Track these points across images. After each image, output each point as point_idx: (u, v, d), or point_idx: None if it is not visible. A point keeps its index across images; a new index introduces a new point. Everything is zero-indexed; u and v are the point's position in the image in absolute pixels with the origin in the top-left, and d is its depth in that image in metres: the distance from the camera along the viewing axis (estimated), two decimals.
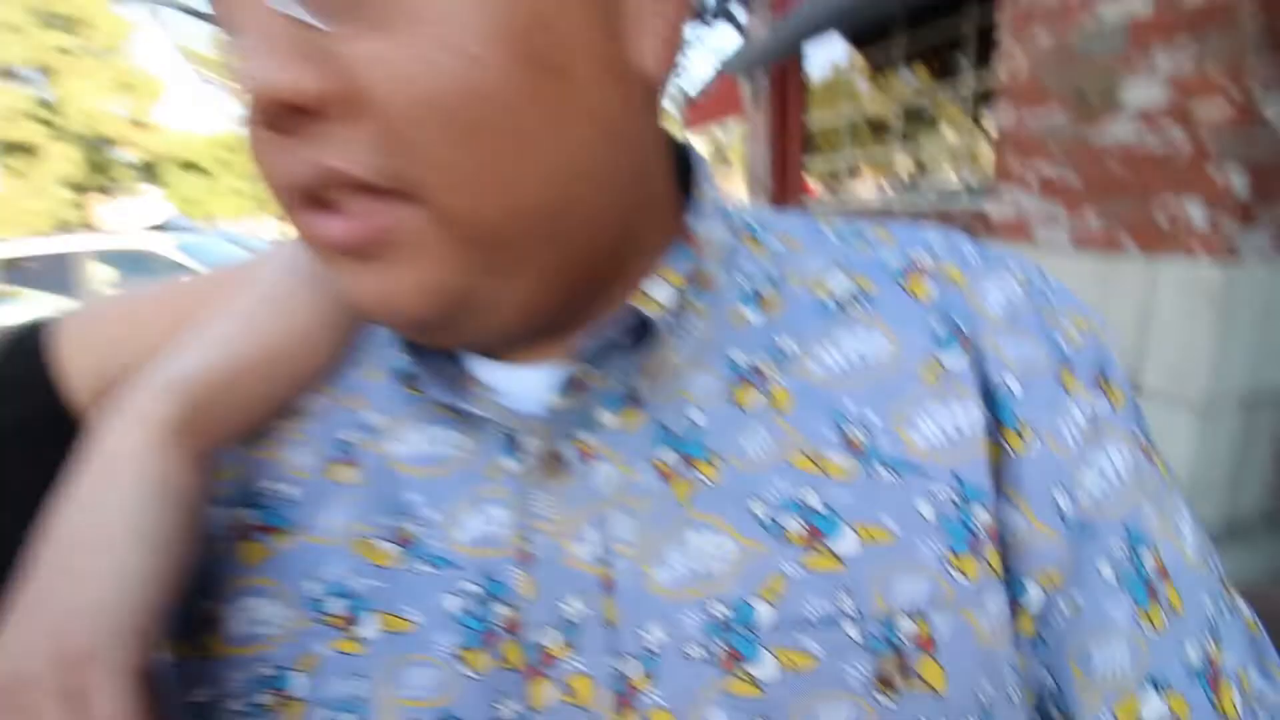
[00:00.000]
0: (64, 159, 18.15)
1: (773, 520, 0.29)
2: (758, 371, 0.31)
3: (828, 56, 6.43)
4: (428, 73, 0.22)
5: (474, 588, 0.29)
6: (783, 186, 7.33)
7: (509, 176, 0.25)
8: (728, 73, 7.15)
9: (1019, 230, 2.93)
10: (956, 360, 0.30)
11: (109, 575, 0.26)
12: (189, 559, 0.29)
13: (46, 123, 17.82)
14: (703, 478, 0.29)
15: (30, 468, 0.34)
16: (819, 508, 0.29)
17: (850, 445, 0.29)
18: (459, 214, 0.25)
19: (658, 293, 0.29)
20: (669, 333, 0.30)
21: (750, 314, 0.32)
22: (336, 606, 0.31)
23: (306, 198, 0.25)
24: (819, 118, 6.94)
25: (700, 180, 0.33)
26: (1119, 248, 2.42)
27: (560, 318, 0.30)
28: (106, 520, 0.26)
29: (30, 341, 0.36)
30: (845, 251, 0.34)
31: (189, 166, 22.25)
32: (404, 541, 0.31)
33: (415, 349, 0.31)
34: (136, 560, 0.26)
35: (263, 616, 0.31)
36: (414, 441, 0.32)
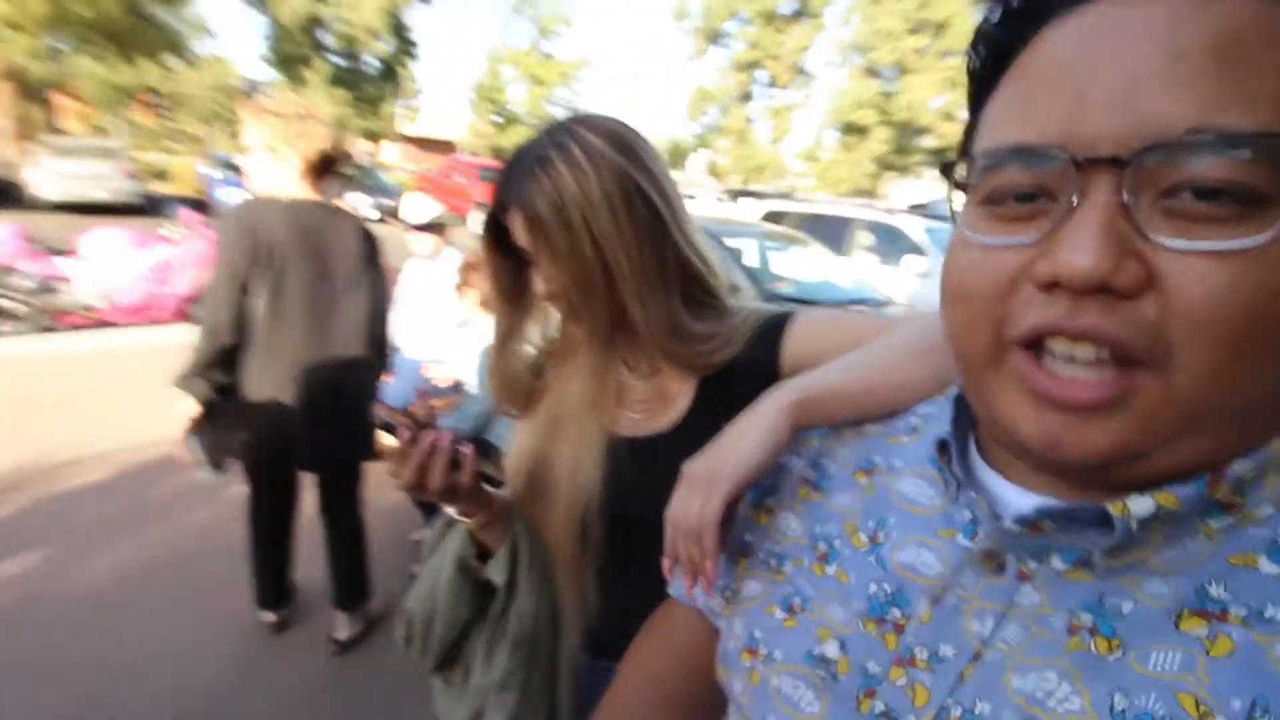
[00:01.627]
0: (881, 141, 22.35)
1: (1123, 715, 0.30)
2: (1223, 612, 0.31)
3: None
4: (1243, 294, 0.27)
5: (887, 589, 0.41)
6: None
7: (1244, 380, 0.29)
8: None
9: None
10: None
11: (744, 455, 0.51)
12: (767, 469, 0.52)
13: (880, 109, 22.14)
14: (1094, 646, 0.32)
15: (748, 386, 0.66)
16: None
17: None
18: (1189, 395, 0.29)
19: (1138, 506, 0.31)
20: (1137, 535, 0.32)
21: (1267, 565, 0.31)
22: (821, 546, 0.47)
23: (1032, 340, 0.31)
24: None
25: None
26: None
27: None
28: (750, 433, 0.52)
29: (784, 318, 0.73)
30: None
31: None
32: (872, 540, 0.44)
33: (953, 436, 0.41)
34: (755, 456, 0.51)
35: (787, 525, 0.50)
36: (910, 486, 0.45)
